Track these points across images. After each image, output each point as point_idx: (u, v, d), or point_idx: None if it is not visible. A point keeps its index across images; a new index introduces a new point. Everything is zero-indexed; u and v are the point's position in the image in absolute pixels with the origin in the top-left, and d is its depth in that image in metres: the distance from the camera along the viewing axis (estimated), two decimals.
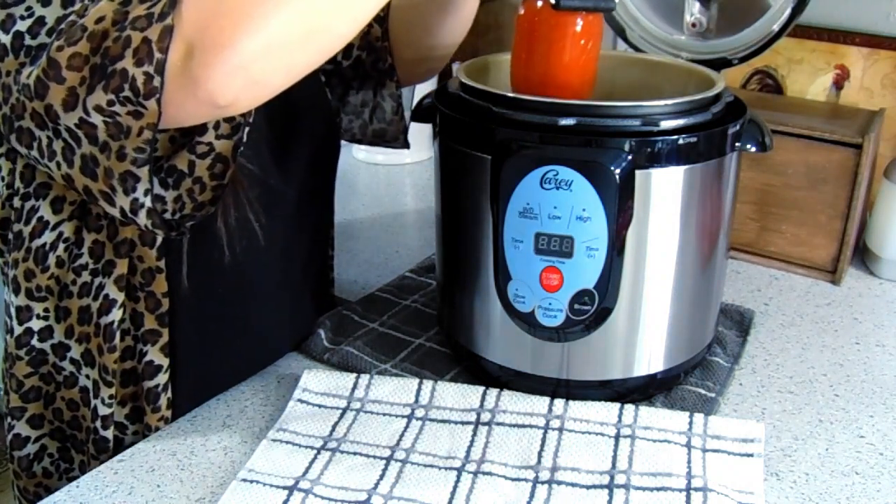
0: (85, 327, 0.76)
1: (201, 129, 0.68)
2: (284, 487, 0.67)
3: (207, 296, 0.78)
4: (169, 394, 0.77)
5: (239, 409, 0.79)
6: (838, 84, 1.18)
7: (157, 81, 0.56)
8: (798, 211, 1.05)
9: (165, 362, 0.76)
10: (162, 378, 0.76)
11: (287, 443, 0.72)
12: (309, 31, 0.58)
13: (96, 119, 0.58)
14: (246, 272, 0.80)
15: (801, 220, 1.05)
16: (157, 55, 0.55)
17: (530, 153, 0.69)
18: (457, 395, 0.77)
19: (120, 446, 0.77)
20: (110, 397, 0.75)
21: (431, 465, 0.69)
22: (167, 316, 0.75)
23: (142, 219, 0.63)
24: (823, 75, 1.18)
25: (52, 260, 0.74)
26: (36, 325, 0.76)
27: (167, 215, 0.68)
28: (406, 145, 1.00)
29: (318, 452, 0.71)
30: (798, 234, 1.06)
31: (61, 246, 0.73)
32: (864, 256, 1.10)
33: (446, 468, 0.69)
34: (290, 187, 0.83)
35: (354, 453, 0.71)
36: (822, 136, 1.02)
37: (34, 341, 0.77)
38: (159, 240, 0.73)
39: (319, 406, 0.77)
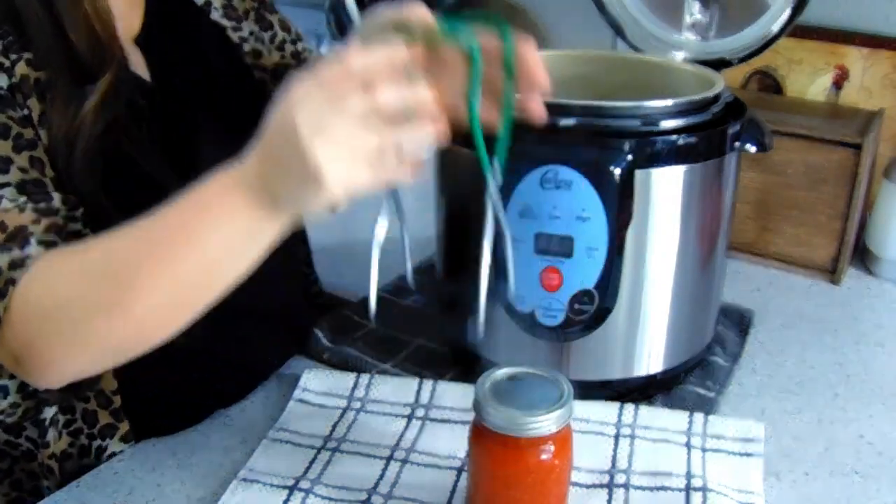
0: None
1: None
2: (284, 487, 0.67)
3: (162, 375, 0.74)
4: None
5: (239, 409, 0.79)
6: (838, 84, 1.18)
7: None
8: (798, 211, 1.05)
9: (126, 446, 0.74)
10: (127, 454, 0.74)
11: (287, 443, 0.72)
12: (138, 338, 0.60)
13: None
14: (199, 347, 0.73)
15: (800, 220, 1.05)
16: None
17: (530, 153, 0.69)
18: (457, 395, 0.77)
19: None
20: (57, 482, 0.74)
21: (431, 465, 0.69)
22: (121, 411, 0.74)
23: None
24: (823, 75, 1.18)
25: None
26: None
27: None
28: None
29: (318, 452, 0.71)
30: (798, 234, 1.06)
31: None
32: (863, 256, 1.10)
33: (446, 468, 0.69)
34: None
35: (354, 453, 0.71)
36: (822, 136, 1.02)
37: None
38: None
39: (319, 406, 0.77)
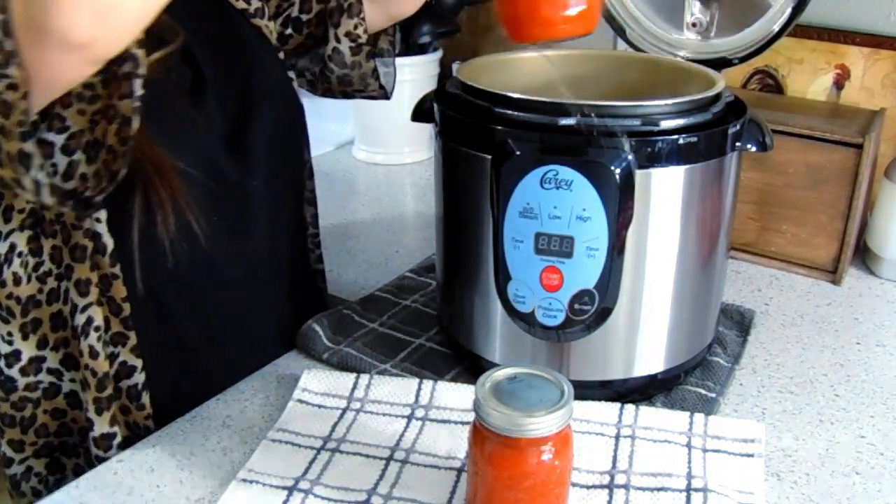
0: (60, 332, 0.75)
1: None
2: (284, 487, 0.67)
3: (163, 300, 0.77)
4: (149, 392, 0.77)
5: (239, 409, 0.79)
6: (839, 84, 1.18)
7: (8, 45, 0.52)
8: (798, 211, 1.05)
9: (139, 363, 0.75)
10: (139, 377, 0.76)
11: (287, 443, 0.72)
12: None
13: None
14: (195, 275, 0.78)
15: (801, 220, 1.05)
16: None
17: (530, 153, 0.69)
18: (457, 395, 0.77)
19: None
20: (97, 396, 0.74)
21: (431, 465, 0.69)
22: (131, 319, 0.74)
23: (46, 198, 0.60)
24: (824, 75, 1.18)
25: (7, 275, 0.71)
26: (2, 348, 0.74)
27: (89, 192, 0.63)
28: (385, 94, 0.96)
29: (318, 452, 0.71)
30: (798, 234, 1.06)
31: (16, 260, 0.71)
32: (864, 256, 1.10)
33: (446, 468, 0.69)
34: (252, 182, 0.81)
35: (354, 453, 0.71)
36: (823, 136, 1.02)
37: (2, 365, 0.75)
38: (110, 247, 0.71)
39: (319, 406, 0.77)
